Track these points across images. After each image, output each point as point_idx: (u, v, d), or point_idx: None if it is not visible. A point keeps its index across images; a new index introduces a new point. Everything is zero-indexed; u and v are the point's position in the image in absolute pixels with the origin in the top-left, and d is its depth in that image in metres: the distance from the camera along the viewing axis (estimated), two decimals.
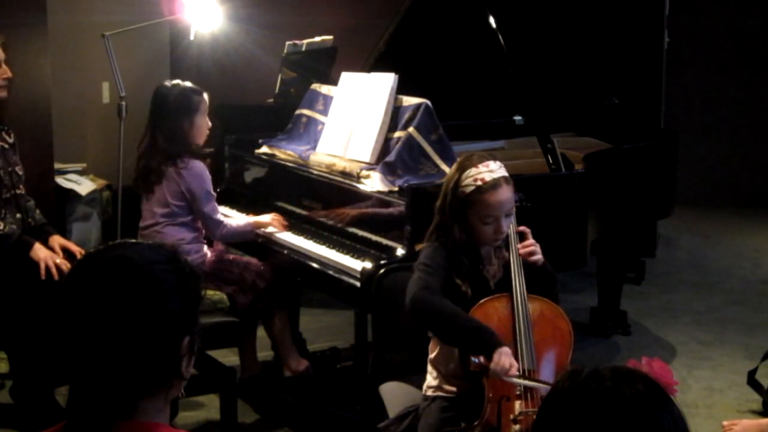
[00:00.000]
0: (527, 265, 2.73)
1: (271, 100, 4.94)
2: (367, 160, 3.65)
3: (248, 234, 3.90)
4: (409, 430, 2.71)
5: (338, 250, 3.57)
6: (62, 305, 1.44)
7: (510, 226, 2.72)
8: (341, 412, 3.68)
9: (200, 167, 3.75)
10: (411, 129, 3.55)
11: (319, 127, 4.03)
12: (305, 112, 4.19)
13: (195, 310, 1.49)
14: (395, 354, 3.08)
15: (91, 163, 5.67)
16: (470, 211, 2.65)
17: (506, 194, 2.65)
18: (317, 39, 4.91)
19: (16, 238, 3.60)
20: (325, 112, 4.04)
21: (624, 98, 5.12)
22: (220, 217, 3.80)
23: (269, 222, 3.91)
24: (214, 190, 3.86)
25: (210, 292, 3.67)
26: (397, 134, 3.61)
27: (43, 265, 3.54)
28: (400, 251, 3.35)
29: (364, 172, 3.56)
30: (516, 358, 2.51)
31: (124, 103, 4.20)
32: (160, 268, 1.45)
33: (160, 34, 5.95)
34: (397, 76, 3.73)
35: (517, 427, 2.47)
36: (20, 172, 3.77)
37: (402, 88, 3.72)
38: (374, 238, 3.52)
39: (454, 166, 2.75)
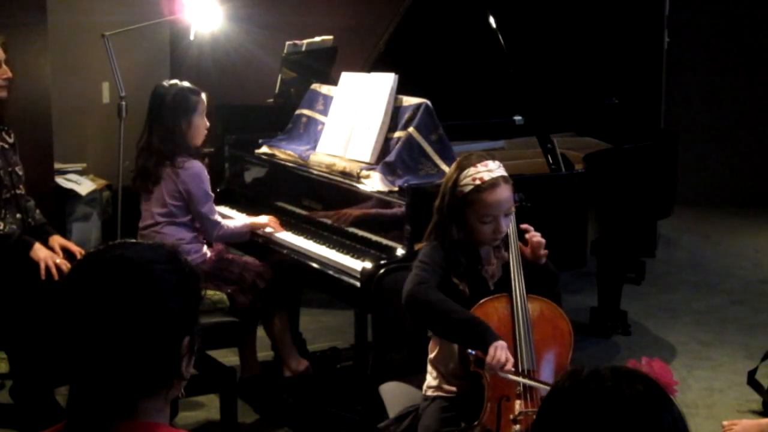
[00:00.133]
0: (529, 264, 2.73)
1: (271, 100, 4.94)
2: (367, 160, 3.65)
3: (244, 236, 3.91)
4: (409, 430, 2.71)
5: (338, 250, 3.57)
6: (62, 305, 1.44)
7: (509, 226, 2.72)
8: (341, 412, 3.68)
9: (198, 167, 3.74)
10: (411, 129, 3.55)
11: (319, 127, 4.03)
12: (305, 112, 4.19)
13: (195, 310, 1.49)
14: (395, 354, 3.08)
15: (91, 163, 5.66)
16: (469, 211, 2.65)
17: (505, 194, 2.65)
18: (317, 39, 4.91)
19: (16, 238, 3.60)
20: (325, 112, 4.04)
21: (624, 98, 5.12)
22: (217, 218, 3.80)
23: (266, 224, 3.91)
24: (214, 190, 3.87)
25: (210, 292, 3.67)
26: (397, 134, 3.62)
27: (43, 265, 3.54)
28: (400, 251, 3.35)
29: (364, 172, 3.56)
30: (516, 359, 2.51)
31: (124, 103, 4.21)
32: (160, 268, 1.45)
33: (160, 34, 5.95)
34: (397, 76, 3.73)
35: (516, 427, 2.47)
36: (20, 172, 3.77)
37: (402, 88, 3.72)
38: (374, 238, 3.52)
39: (453, 166, 2.75)
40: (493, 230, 2.65)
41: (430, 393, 2.71)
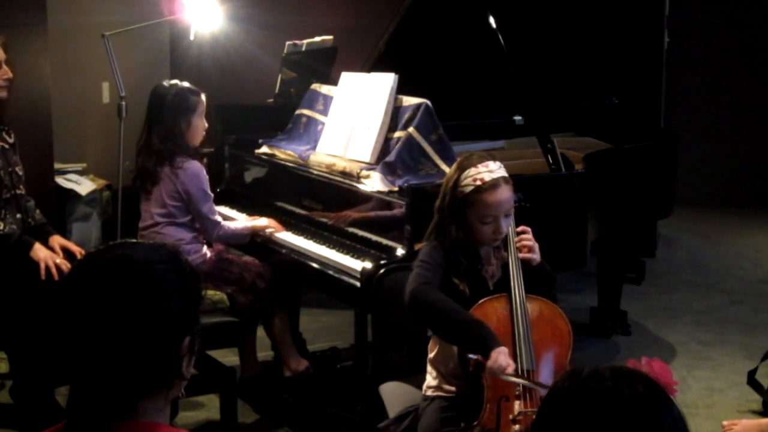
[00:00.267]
0: (525, 265, 2.73)
1: (271, 100, 4.94)
2: (367, 160, 3.65)
3: (245, 237, 3.91)
4: (409, 430, 2.71)
5: (338, 250, 3.57)
6: (63, 305, 1.44)
7: (509, 227, 2.72)
8: (341, 412, 3.68)
9: (197, 167, 3.74)
10: (411, 129, 3.55)
11: (319, 127, 4.03)
12: (305, 112, 4.19)
13: (195, 310, 1.49)
14: (395, 354, 3.08)
15: (91, 163, 5.67)
16: (469, 211, 2.65)
17: (505, 194, 2.65)
18: (317, 39, 4.91)
19: (16, 238, 3.60)
20: (325, 112, 4.04)
21: (624, 98, 5.12)
22: (217, 218, 3.80)
23: (266, 226, 3.91)
24: (214, 191, 3.87)
25: (210, 292, 3.67)
26: (397, 134, 3.62)
27: (43, 265, 3.54)
28: (400, 251, 3.35)
29: (364, 172, 3.56)
30: (515, 359, 2.51)
31: (124, 103, 4.21)
32: (161, 268, 1.45)
33: (160, 34, 5.95)
34: (397, 76, 3.73)
35: (516, 427, 2.47)
36: (20, 173, 3.77)
37: (402, 88, 3.72)
38: (374, 238, 3.52)
39: (454, 166, 2.75)
40: (493, 231, 2.65)
41: (429, 393, 2.71)
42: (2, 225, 3.62)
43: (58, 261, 3.58)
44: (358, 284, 3.30)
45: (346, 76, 4.00)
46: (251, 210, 4.14)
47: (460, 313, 2.54)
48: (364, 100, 3.80)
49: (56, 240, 3.74)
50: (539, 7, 4.73)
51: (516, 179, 2.77)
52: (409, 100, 3.66)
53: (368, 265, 3.28)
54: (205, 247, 3.86)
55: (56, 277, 3.53)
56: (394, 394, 2.91)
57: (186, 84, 3.82)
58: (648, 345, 4.77)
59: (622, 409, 1.29)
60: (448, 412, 2.62)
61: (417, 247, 2.81)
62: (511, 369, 2.44)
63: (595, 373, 1.33)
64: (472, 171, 2.65)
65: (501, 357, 2.43)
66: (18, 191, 3.73)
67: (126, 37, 4.57)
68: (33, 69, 4.73)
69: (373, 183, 3.48)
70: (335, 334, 4.73)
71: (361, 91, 3.85)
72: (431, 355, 2.74)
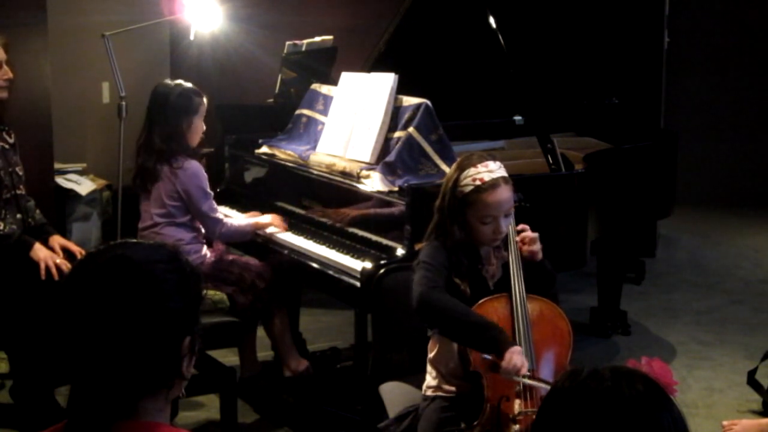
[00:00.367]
0: (526, 263, 2.73)
1: (271, 100, 4.94)
2: (367, 160, 3.65)
3: (248, 234, 3.90)
4: (409, 430, 2.71)
5: (338, 250, 3.57)
6: (63, 305, 1.44)
7: (509, 227, 2.72)
8: (341, 412, 3.68)
9: (196, 167, 3.74)
10: (411, 129, 3.55)
11: (319, 127, 4.03)
12: (305, 112, 4.19)
13: (196, 310, 1.49)
14: (395, 354, 3.08)
15: (91, 163, 5.67)
16: (469, 211, 2.65)
17: (505, 194, 2.65)
18: (317, 39, 4.91)
19: (16, 238, 3.60)
20: (325, 112, 4.04)
21: (624, 98, 5.12)
22: (219, 215, 3.80)
23: (269, 223, 3.91)
24: (214, 190, 3.86)
25: (210, 292, 3.67)
26: (397, 134, 3.62)
27: (43, 265, 3.54)
28: (400, 251, 3.35)
29: (364, 172, 3.56)
30: None
31: (124, 103, 4.21)
32: (161, 267, 1.45)
33: (160, 34, 5.95)
34: (397, 76, 3.73)
35: (516, 427, 2.47)
36: (20, 173, 3.77)
37: (402, 88, 3.72)
38: (374, 238, 3.52)
39: (454, 166, 2.75)
40: (493, 230, 2.65)
41: (429, 393, 2.71)
42: (2, 225, 3.62)
43: (58, 261, 3.58)
44: (358, 284, 3.30)
45: (346, 76, 4.01)
46: (251, 210, 4.14)
47: (472, 315, 2.54)
48: (364, 100, 3.80)
49: (56, 240, 3.74)
50: (539, 7, 4.73)
51: (516, 179, 2.76)
52: (409, 100, 3.66)
53: (368, 265, 3.28)
54: (205, 248, 3.86)
55: (56, 277, 3.53)
56: (394, 394, 2.91)
57: (189, 84, 3.82)
58: (648, 345, 4.76)
59: (622, 409, 1.29)
60: (448, 412, 2.62)
61: (417, 247, 2.81)
62: (525, 369, 2.44)
63: (595, 373, 1.33)
64: (471, 171, 2.65)
65: (515, 357, 2.44)
66: (18, 191, 3.73)
67: (126, 37, 4.57)
68: (33, 69, 4.73)
69: (373, 183, 3.48)
70: (335, 334, 4.73)
71: (361, 91, 3.85)
72: (431, 355, 2.74)
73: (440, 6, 4.37)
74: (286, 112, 4.40)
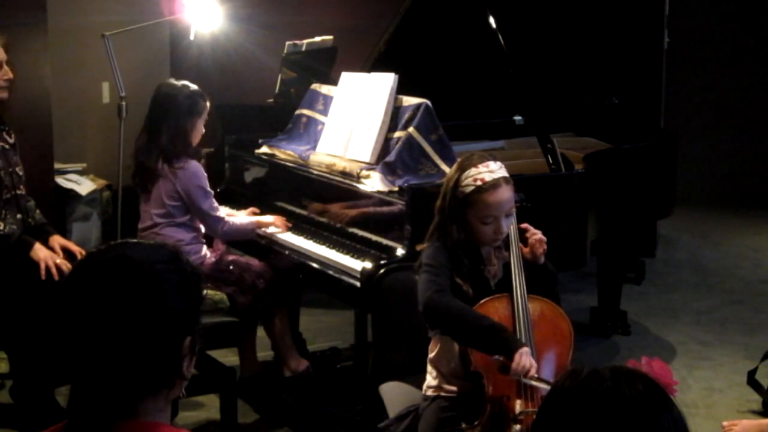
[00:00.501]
0: (527, 264, 2.73)
1: (271, 100, 4.94)
2: (367, 160, 3.65)
3: (249, 233, 3.90)
4: (409, 430, 2.71)
5: (338, 250, 3.57)
6: (64, 305, 1.44)
7: (510, 227, 2.72)
8: (341, 412, 3.68)
9: (195, 166, 3.75)
10: (411, 129, 3.55)
11: (319, 127, 4.04)
12: (305, 112, 4.19)
13: (196, 310, 1.49)
14: (395, 354, 3.09)
15: (91, 163, 5.66)
16: (470, 211, 2.65)
17: (506, 194, 2.65)
18: (317, 39, 4.91)
19: (16, 238, 3.60)
20: (325, 112, 4.04)
21: (624, 98, 5.12)
22: (220, 213, 3.80)
23: (271, 222, 3.91)
24: (214, 190, 3.86)
25: (210, 292, 3.67)
26: (397, 134, 3.62)
27: (43, 266, 3.54)
28: (400, 251, 3.35)
29: (364, 172, 3.56)
30: None
31: (124, 103, 4.21)
32: (162, 267, 1.45)
33: (160, 34, 5.94)
34: (397, 76, 3.73)
35: (517, 427, 2.47)
36: (21, 173, 3.77)
37: (402, 88, 3.72)
38: (374, 238, 3.52)
39: (454, 166, 2.75)
40: (494, 231, 2.65)
41: (430, 393, 2.71)
42: (2, 225, 3.62)
43: (58, 261, 3.58)
44: (358, 284, 3.30)
45: (346, 76, 4.00)
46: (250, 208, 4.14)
47: (478, 318, 2.54)
48: (364, 100, 3.80)
49: (56, 240, 3.73)
50: (539, 7, 4.73)
51: (516, 179, 2.76)
52: (409, 100, 3.66)
53: (368, 265, 3.28)
54: (204, 248, 3.86)
55: (56, 277, 3.53)
56: (394, 394, 2.91)
57: (195, 86, 3.82)
58: (648, 345, 4.76)
59: (622, 409, 1.29)
60: (449, 412, 2.62)
61: (418, 247, 2.81)
62: (534, 369, 2.44)
63: (595, 373, 1.33)
64: (472, 171, 2.65)
65: (524, 358, 2.44)
66: (18, 191, 3.72)
67: (126, 37, 4.57)
68: (33, 69, 4.73)
69: (373, 183, 3.48)
70: (335, 334, 4.73)
71: (361, 91, 3.85)
72: (432, 355, 2.74)
73: (440, 6, 4.37)
74: (286, 112, 4.40)
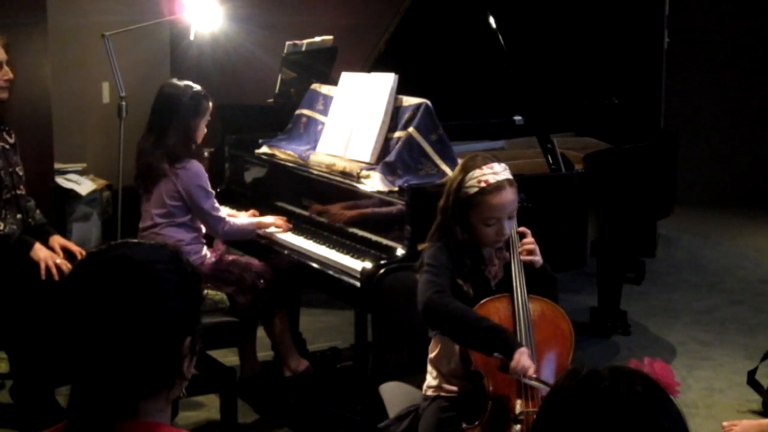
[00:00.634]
0: (528, 267, 2.73)
1: (271, 100, 4.94)
2: (367, 160, 3.65)
3: (250, 233, 3.90)
4: (409, 430, 2.71)
5: (338, 250, 3.57)
6: (64, 305, 1.44)
7: (512, 228, 2.72)
8: (341, 412, 3.68)
9: (197, 166, 3.75)
10: (411, 129, 3.55)
11: (319, 127, 4.04)
12: (305, 112, 4.19)
13: (197, 310, 1.49)
14: (395, 354, 3.09)
15: (91, 163, 5.66)
16: (472, 212, 2.64)
17: (509, 196, 2.65)
18: (317, 39, 4.91)
19: (17, 238, 3.60)
20: (325, 112, 4.04)
21: (624, 98, 5.12)
22: (221, 213, 3.80)
23: (272, 222, 3.91)
24: (214, 190, 3.86)
25: (211, 292, 3.67)
26: (397, 134, 3.62)
27: (43, 266, 3.54)
28: (400, 251, 3.35)
29: (364, 172, 3.56)
30: None
31: (124, 103, 4.21)
32: (162, 267, 1.45)
33: (160, 34, 5.94)
34: (397, 76, 3.73)
35: (517, 427, 2.47)
36: (21, 173, 3.77)
37: (402, 88, 3.72)
38: (374, 238, 3.52)
39: (458, 167, 2.75)
40: (496, 232, 2.65)
41: (430, 393, 2.71)
42: (2, 225, 3.62)
43: (58, 261, 3.58)
44: (358, 284, 3.30)
45: (346, 76, 4.00)
46: (250, 209, 4.13)
47: (477, 318, 2.54)
48: (364, 100, 3.80)
49: (56, 240, 3.73)
50: (539, 7, 4.73)
51: (516, 179, 2.76)
52: (409, 100, 3.66)
53: (368, 265, 3.28)
54: (205, 248, 3.86)
55: (56, 277, 3.53)
56: (394, 394, 2.91)
57: (198, 87, 3.82)
58: (648, 345, 4.76)
59: (619, 409, 1.28)
60: (449, 412, 2.62)
61: (420, 247, 2.81)
62: (533, 369, 2.44)
63: (594, 374, 1.33)
64: (476, 172, 2.64)
65: (523, 358, 2.44)
66: (18, 191, 3.72)
67: (126, 37, 4.57)
68: (33, 69, 4.73)
69: (373, 183, 3.48)
70: (335, 334, 4.73)
71: (361, 91, 3.85)
72: (432, 354, 2.74)
73: (440, 6, 4.37)
74: (286, 112, 4.40)
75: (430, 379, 2.74)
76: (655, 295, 5.63)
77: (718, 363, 4.52)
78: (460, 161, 3.34)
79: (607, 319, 4.87)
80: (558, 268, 2.88)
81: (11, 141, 3.76)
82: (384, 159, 3.55)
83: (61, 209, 5.12)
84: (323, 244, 3.68)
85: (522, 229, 2.77)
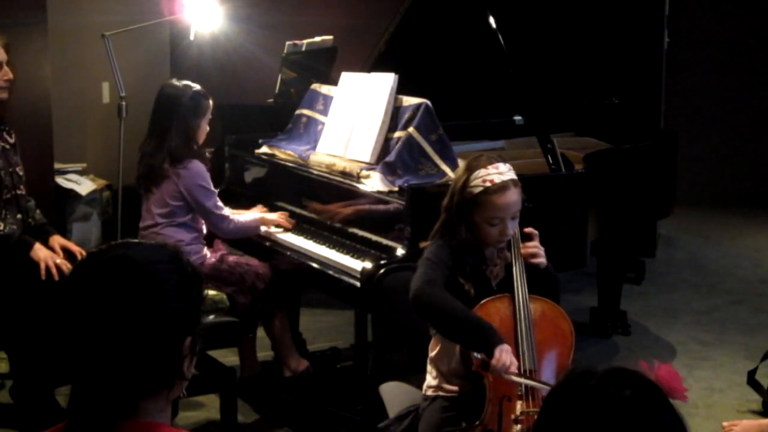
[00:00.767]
0: (529, 267, 2.73)
1: (271, 100, 4.94)
2: (367, 160, 3.65)
3: (255, 229, 3.90)
4: (409, 430, 2.71)
5: (338, 250, 3.57)
6: (64, 305, 1.44)
7: (515, 229, 2.72)
8: (341, 412, 3.68)
9: (198, 166, 3.75)
10: (411, 129, 3.55)
11: (319, 127, 4.04)
12: (305, 112, 4.19)
13: (197, 310, 1.49)
14: (395, 354, 3.08)
15: (91, 163, 5.66)
16: (476, 212, 2.64)
17: (513, 197, 2.65)
18: (317, 39, 4.91)
19: (17, 239, 3.60)
20: (325, 112, 4.04)
21: (624, 98, 5.12)
22: (224, 211, 3.80)
23: (275, 220, 3.91)
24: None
25: (211, 293, 3.67)
26: (397, 134, 3.62)
27: (43, 266, 3.54)
28: (400, 251, 3.35)
29: (364, 172, 3.56)
30: (517, 359, 2.51)
31: (124, 103, 4.21)
32: (162, 267, 1.45)
33: (160, 34, 5.94)
34: (397, 76, 3.73)
35: (518, 427, 2.47)
36: (21, 173, 3.77)
37: (402, 88, 3.72)
38: (374, 238, 3.52)
39: (462, 166, 2.75)
40: (499, 232, 2.65)
41: (430, 393, 2.71)
42: (2, 225, 3.62)
43: (58, 261, 3.58)
44: (358, 284, 3.30)
45: (346, 76, 4.00)
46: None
47: (463, 312, 2.54)
48: (364, 100, 3.80)
49: (56, 240, 3.73)
50: (539, 7, 4.73)
51: None
52: (409, 100, 3.66)
53: (368, 265, 3.28)
54: (205, 248, 3.86)
55: (56, 277, 3.53)
56: (394, 394, 2.91)
57: (197, 86, 3.82)
58: (648, 345, 4.77)
59: (604, 411, 1.27)
60: (449, 412, 2.62)
61: (422, 245, 2.81)
62: (514, 367, 2.44)
63: (587, 373, 1.32)
64: (481, 172, 2.64)
65: (504, 354, 2.44)
66: (18, 191, 3.72)
67: (126, 37, 4.57)
68: (33, 69, 4.73)
69: (373, 183, 3.48)
70: (335, 334, 4.73)
71: (361, 91, 3.85)
72: (432, 354, 2.74)
73: (440, 6, 4.37)
74: (286, 112, 4.40)
75: (430, 378, 2.74)
76: (655, 295, 5.63)
77: (718, 363, 4.52)
78: (461, 161, 3.36)
79: (607, 319, 4.87)
80: (558, 268, 2.87)
81: (11, 141, 3.76)
82: (384, 159, 3.55)
83: (61, 209, 5.12)
84: (323, 244, 3.68)
85: (529, 230, 2.76)
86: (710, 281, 5.94)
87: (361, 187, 3.56)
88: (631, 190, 4.43)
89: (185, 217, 3.77)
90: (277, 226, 3.92)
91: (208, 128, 3.86)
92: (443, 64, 4.43)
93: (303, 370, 3.93)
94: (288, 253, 3.77)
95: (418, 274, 2.62)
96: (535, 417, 1.93)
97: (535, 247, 2.73)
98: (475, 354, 2.49)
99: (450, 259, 2.65)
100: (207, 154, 3.94)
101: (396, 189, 3.42)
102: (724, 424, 2.80)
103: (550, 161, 3.73)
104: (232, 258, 3.87)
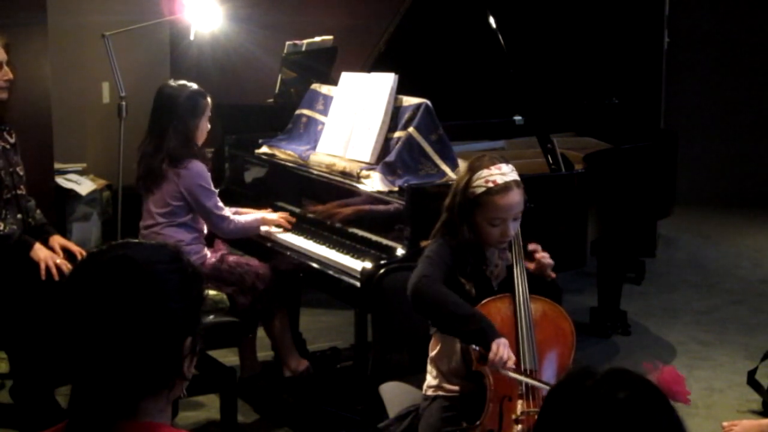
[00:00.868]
0: (535, 278, 2.73)
1: (271, 100, 4.94)
2: (367, 160, 3.65)
3: (255, 229, 3.89)
4: (409, 430, 2.71)
5: (338, 250, 3.57)
6: (65, 305, 1.44)
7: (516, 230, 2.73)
8: (341, 412, 3.68)
9: (199, 166, 3.75)
10: (411, 129, 3.55)
11: (319, 127, 4.04)
12: (305, 112, 4.19)
13: (197, 310, 1.49)
14: (395, 354, 3.08)
15: (91, 163, 5.67)
16: (478, 212, 2.64)
17: (516, 198, 2.65)
18: (317, 39, 4.91)
19: (17, 239, 3.60)
20: (325, 112, 4.04)
21: (624, 98, 5.12)
22: (225, 212, 3.80)
23: (276, 220, 3.91)
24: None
25: (211, 293, 3.67)
26: (397, 134, 3.62)
27: (43, 266, 3.53)
28: (400, 251, 3.35)
29: (364, 172, 3.56)
30: (518, 359, 2.51)
31: (124, 103, 4.21)
32: (163, 268, 1.45)
33: (160, 34, 5.95)
34: (397, 76, 3.73)
35: (518, 427, 2.47)
36: (21, 173, 3.77)
37: (402, 88, 3.72)
38: (374, 238, 3.52)
39: (465, 166, 2.75)
40: (501, 233, 2.65)
41: (430, 393, 2.71)
42: (3, 225, 3.62)
43: (58, 261, 3.58)
44: (358, 284, 3.30)
45: (346, 76, 4.00)
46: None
47: (460, 306, 2.54)
48: (364, 100, 3.80)
49: (56, 240, 3.73)
50: (539, 8, 4.73)
51: None
52: (409, 100, 3.66)
53: (368, 265, 3.28)
54: (205, 248, 3.86)
55: (56, 277, 3.53)
56: (394, 394, 2.91)
57: (194, 86, 3.82)
58: (648, 345, 4.77)
59: (597, 412, 1.27)
60: (450, 412, 2.61)
61: (423, 243, 2.81)
62: (512, 361, 2.44)
63: (584, 373, 1.32)
64: (484, 172, 2.64)
65: (502, 348, 2.44)
66: (19, 191, 3.72)
67: (126, 37, 4.57)
68: (33, 69, 4.73)
69: (373, 183, 3.48)
70: (335, 334, 4.73)
71: (361, 91, 3.85)
72: (432, 353, 2.73)
73: (440, 6, 4.37)
74: (286, 112, 4.40)
75: (430, 378, 2.73)
76: (655, 295, 5.63)
77: (718, 363, 4.52)
78: (461, 161, 3.36)
79: (607, 319, 4.87)
80: (558, 268, 2.87)
81: (11, 141, 3.76)
82: (384, 159, 3.55)
83: (61, 209, 5.12)
84: (323, 244, 3.68)
85: (532, 247, 2.76)
86: (710, 281, 5.95)
87: (361, 187, 3.56)
88: (631, 190, 4.43)
89: (185, 217, 3.77)
90: (278, 226, 3.92)
91: (208, 127, 3.85)
92: (443, 64, 4.43)
93: (303, 370, 3.93)
94: (288, 253, 3.78)
95: (417, 270, 2.63)
96: (536, 417, 1.93)
97: (547, 257, 2.74)
98: (473, 346, 2.49)
99: (450, 258, 2.65)
100: (207, 154, 3.94)
101: (396, 189, 3.42)
102: (724, 424, 2.80)
103: (550, 161, 3.73)
104: (232, 258, 3.87)
